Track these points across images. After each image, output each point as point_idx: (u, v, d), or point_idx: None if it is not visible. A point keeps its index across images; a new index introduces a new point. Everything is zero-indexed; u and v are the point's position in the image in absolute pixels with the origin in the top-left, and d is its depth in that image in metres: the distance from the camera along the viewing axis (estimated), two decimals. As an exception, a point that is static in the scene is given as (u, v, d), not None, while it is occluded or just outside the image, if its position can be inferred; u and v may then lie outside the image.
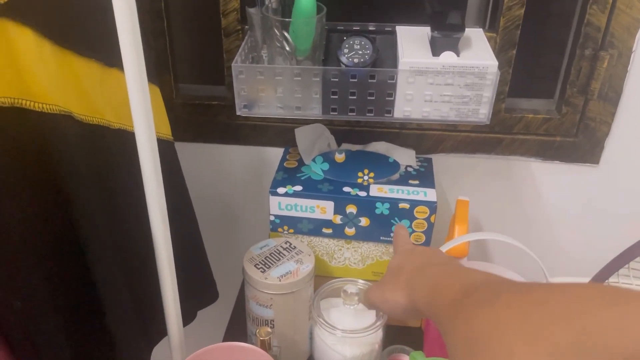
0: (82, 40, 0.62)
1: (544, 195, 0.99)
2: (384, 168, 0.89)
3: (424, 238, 0.85)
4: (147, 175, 0.64)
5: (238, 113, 0.76)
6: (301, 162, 0.91)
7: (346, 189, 0.84)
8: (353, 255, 0.90)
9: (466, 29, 0.71)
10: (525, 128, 0.94)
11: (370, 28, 0.84)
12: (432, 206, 0.82)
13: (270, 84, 0.73)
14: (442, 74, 0.70)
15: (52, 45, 0.57)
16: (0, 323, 0.61)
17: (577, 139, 0.93)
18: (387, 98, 0.73)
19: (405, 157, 0.91)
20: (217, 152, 1.02)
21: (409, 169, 0.90)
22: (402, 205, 0.82)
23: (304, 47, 0.73)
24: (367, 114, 0.74)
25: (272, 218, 0.87)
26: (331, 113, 0.74)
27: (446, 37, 0.70)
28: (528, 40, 0.89)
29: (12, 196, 0.57)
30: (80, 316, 0.68)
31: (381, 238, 0.86)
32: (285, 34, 0.72)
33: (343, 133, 0.96)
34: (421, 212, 0.83)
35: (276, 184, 0.85)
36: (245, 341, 0.69)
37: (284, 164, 0.91)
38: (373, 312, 0.76)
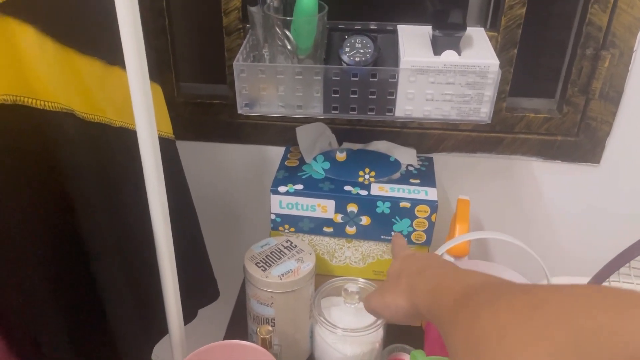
0: (84, 39, 0.62)
1: (545, 194, 0.99)
2: (385, 167, 0.89)
3: (424, 237, 0.85)
4: (148, 174, 0.64)
5: (239, 112, 0.76)
6: (302, 161, 0.91)
7: (347, 187, 0.84)
8: (354, 254, 0.90)
9: (467, 28, 0.71)
10: (527, 127, 0.94)
11: (372, 27, 0.85)
12: (433, 205, 0.82)
13: (271, 82, 0.73)
14: (443, 73, 0.70)
15: (54, 43, 0.57)
16: (2, 321, 0.61)
17: (578, 138, 0.93)
18: (388, 97, 0.73)
19: (406, 156, 0.91)
20: (219, 151, 1.02)
21: (410, 168, 0.90)
22: (403, 204, 0.82)
23: (305, 46, 0.73)
24: (369, 113, 0.74)
25: (273, 217, 0.87)
26: (332, 112, 0.75)
27: (447, 36, 0.70)
28: (529, 39, 0.89)
29: (13, 194, 0.57)
30: (82, 314, 0.68)
31: (382, 237, 0.86)
32: (287, 32, 0.72)
33: (344, 132, 0.96)
34: (422, 211, 0.83)
35: (277, 182, 0.86)
36: (246, 339, 0.69)
37: (285, 163, 0.91)
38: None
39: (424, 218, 0.83)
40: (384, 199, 0.83)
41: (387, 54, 0.77)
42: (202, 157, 1.03)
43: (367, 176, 0.87)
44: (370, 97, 0.73)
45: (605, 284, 0.65)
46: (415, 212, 0.83)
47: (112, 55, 0.65)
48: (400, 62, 0.71)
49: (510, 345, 0.29)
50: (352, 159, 0.91)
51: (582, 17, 0.86)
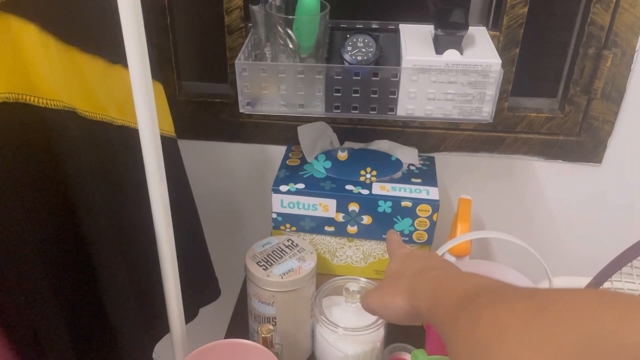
0: (86, 37, 0.62)
1: (547, 194, 0.99)
2: (387, 166, 0.89)
3: (426, 236, 0.85)
4: (150, 172, 0.64)
5: (241, 110, 0.76)
6: (304, 160, 0.91)
7: (348, 187, 0.84)
8: (355, 254, 0.90)
9: (469, 27, 0.71)
10: (528, 127, 0.94)
11: (374, 26, 0.84)
12: (434, 204, 0.82)
13: (273, 81, 0.73)
14: (445, 72, 0.70)
15: (57, 41, 0.57)
16: (4, 318, 0.61)
17: (580, 138, 0.93)
18: (390, 96, 0.73)
19: (408, 155, 0.91)
20: (220, 150, 1.02)
21: (412, 168, 0.90)
22: (404, 203, 0.82)
23: (307, 45, 0.73)
24: (370, 112, 0.74)
25: (274, 216, 0.87)
26: (334, 111, 0.74)
27: (449, 35, 0.70)
28: (531, 39, 0.89)
29: (15, 191, 0.57)
30: (83, 312, 0.68)
31: (383, 236, 0.86)
32: (289, 31, 0.72)
33: (346, 131, 0.96)
34: (423, 211, 0.83)
35: (279, 181, 0.85)
36: (247, 338, 0.69)
37: (287, 162, 0.91)
38: (375, 310, 0.76)
39: (426, 217, 0.83)
40: (385, 198, 0.82)
41: (389, 53, 0.77)
42: (204, 156, 1.03)
43: (368, 175, 0.87)
44: (372, 96, 0.73)
45: (607, 283, 0.65)
46: (417, 211, 0.83)
47: (115, 53, 0.65)
48: (402, 61, 0.71)
49: (512, 349, 0.29)
50: (353, 158, 0.91)
51: (584, 16, 0.86)
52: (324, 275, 0.85)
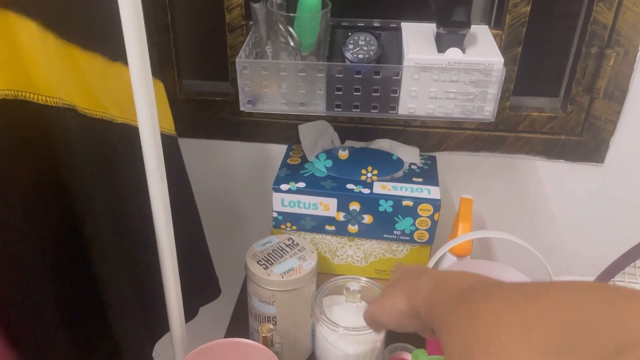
0: (86, 34, 0.61)
1: (548, 194, 0.99)
2: (388, 165, 0.89)
3: (427, 236, 0.85)
4: (150, 171, 0.64)
5: (242, 109, 0.75)
6: (304, 159, 0.90)
7: (349, 186, 0.84)
8: (356, 253, 0.89)
9: (472, 26, 0.71)
10: (530, 126, 0.93)
11: (375, 24, 0.84)
12: (435, 204, 0.82)
13: (274, 79, 0.73)
14: (447, 71, 0.70)
15: (56, 38, 0.57)
16: (3, 318, 0.61)
17: (582, 137, 0.93)
18: (391, 94, 0.72)
19: (409, 154, 0.91)
20: (221, 148, 1.02)
21: (413, 167, 0.89)
22: (405, 202, 0.82)
23: (308, 43, 0.72)
24: (372, 111, 0.74)
25: (275, 215, 0.86)
26: (335, 109, 0.74)
27: (452, 34, 0.70)
28: (534, 37, 0.89)
29: (14, 189, 0.56)
30: (83, 311, 0.68)
31: (384, 235, 0.86)
32: (290, 29, 0.71)
33: (347, 130, 0.96)
34: (425, 210, 0.82)
35: (279, 180, 0.85)
36: (247, 338, 0.69)
37: (287, 161, 0.91)
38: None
39: (427, 217, 0.83)
40: (386, 197, 0.82)
41: (390, 52, 0.77)
42: (204, 155, 1.03)
43: (369, 174, 0.87)
44: (373, 94, 0.73)
45: (610, 284, 0.65)
46: (418, 210, 0.82)
47: (115, 51, 0.64)
48: (404, 59, 0.71)
49: (504, 339, 0.30)
50: (354, 157, 0.90)
51: (587, 15, 0.85)
52: (325, 275, 0.85)
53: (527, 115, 0.93)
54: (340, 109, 0.74)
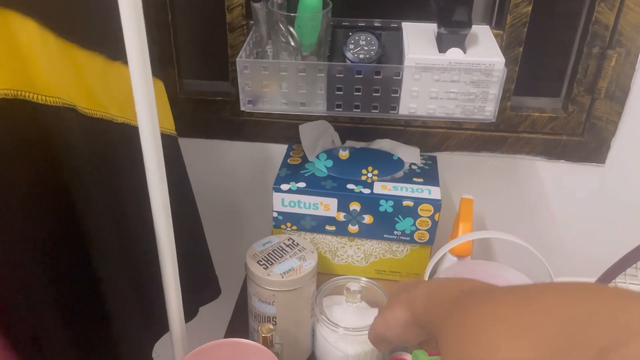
0: (86, 33, 0.61)
1: (549, 194, 0.99)
2: (388, 165, 0.88)
3: (427, 236, 0.85)
4: (150, 170, 0.63)
5: (242, 108, 0.75)
6: (305, 159, 0.90)
7: (350, 186, 0.84)
8: (356, 253, 0.89)
9: (473, 26, 0.71)
10: (531, 126, 0.93)
11: (376, 24, 0.84)
12: (436, 204, 0.82)
13: (274, 79, 0.73)
14: (448, 71, 0.69)
15: (56, 37, 0.57)
16: (3, 317, 0.61)
17: (583, 138, 0.93)
18: (392, 95, 0.72)
19: (410, 154, 0.91)
20: (221, 148, 1.02)
21: (413, 167, 0.89)
22: (406, 203, 0.82)
23: (309, 42, 0.72)
24: (372, 111, 0.73)
25: (275, 214, 0.86)
26: (336, 109, 0.74)
27: (453, 34, 0.70)
28: (535, 38, 0.88)
29: (14, 189, 0.56)
30: (83, 310, 0.68)
31: (384, 236, 0.86)
32: (291, 29, 0.71)
33: (347, 130, 0.96)
34: (425, 210, 0.82)
35: (279, 180, 0.85)
36: (247, 338, 0.69)
37: (288, 161, 0.91)
38: (375, 310, 0.76)
39: (427, 217, 0.83)
40: (386, 197, 0.82)
41: (391, 52, 0.77)
42: (204, 154, 1.02)
43: (370, 174, 0.86)
44: (374, 94, 0.72)
45: (611, 285, 0.65)
46: (418, 211, 0.82)
47: (115, 50, 0.64)
48: (405, 59, 0.71)
49: (497, 339, 0.30)
50: (355, 157, 0.90)
51: (588, 15, 0.85)
52: (325, 275, 0.85)
53: (528, 115, 0.93)
54: (340, 109, 0.74)
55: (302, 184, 0.84)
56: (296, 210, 0.85)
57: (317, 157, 0.90)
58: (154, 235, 0.68)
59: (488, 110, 0.72)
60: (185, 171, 0.84)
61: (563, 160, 0.95)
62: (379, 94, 0.72)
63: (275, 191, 0.84)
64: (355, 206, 0.83)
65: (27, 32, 0.53)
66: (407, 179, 0.86)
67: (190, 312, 0.88)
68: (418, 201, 0.82)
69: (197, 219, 0.88)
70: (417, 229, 0.84)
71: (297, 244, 0.81)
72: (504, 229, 0.87)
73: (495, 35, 0.77)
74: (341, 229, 0.86)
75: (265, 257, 0.77)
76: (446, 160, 0.96)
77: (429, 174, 0.87)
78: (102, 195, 0.66)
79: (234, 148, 1.01)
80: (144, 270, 0.75)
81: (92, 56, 0.63)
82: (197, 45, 1.12)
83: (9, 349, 0.61)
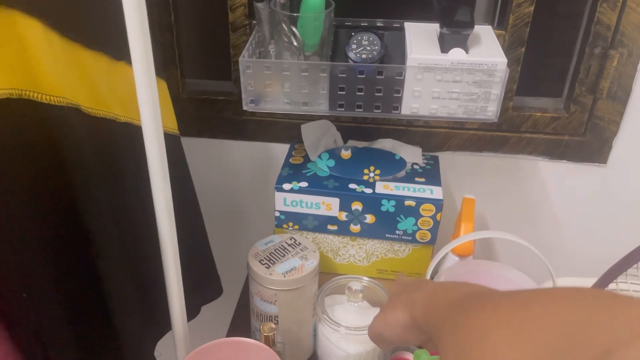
0: (90, 33, 0.62)
1: (551, 194, 0.99)
2: (390, 165, 0.88)
3: (429, 236, 0.85)
4: (153, 169, 0.64)
5: (245, 108, 0.75)
6: (307, 159, 0.90)
7: (352, 185, 0.84)
8: (358, 252, 0.89)
9: (475, 26, 0.71)
10: (533, 126, 0.93)
11: (379, 24, 0.84)
12: (438, 204, 0.82)
13: (277, 79, 0.73)
14: (450, 71, 0.69)
15: (60, 37, 0.57)
16: (5, 317, 0.61)
17: (585, 138, 0.93)
18: (394, 94, 0.72)
19: (412, 154, 0.91)
20: (223, 148, 1.02)
21: (415, 167, 0.89)
22: (407, 202, 0.82)
23: (311, 42, 0.72)
24: (375, 111, 0.74)
25: (277, 214, 0.87)
26: (338, 109, 0.74)
27: (455, 34, 0.70)
28: (537, 38, 0.88)
29: (18, 187, 0.57)
30: (85, 309, 0.68)
31: (386, 235, 0.86)
32: (293, 28, 0.71)
33: (349, 130, 0.96)
34: (427, 210, 0.82)
35: (282, 179, 0.85)
36: (249, 337, 0.69)
37: (290, 160, 0.91)
38: (377, 310, 0.76)
39: (429, 217, 0.83)
40: (388, 197, 0.82)
41: (393, 52, 0.77)
42: (207, 154, 1.03)
43: (372, 174, 0.87)
44: (376, 94, 0.73)
45: (613, 285, 0.65)
46: (420, 210, 0.82)
47: (118, 50, 0.64)
48: (407, 59, 0.71)
49: (495, 345, 0.31)
50: (357, 156, 0.90)
51: (590, 15, 0.85)
52: (327, 274, 0.85)
53: (530, 115, 0.93)
54: (343, 109, 0.74)
55: (304, 184, 0.84)
56: (298, 209, 0.85)
57: (319, 156, 0.90)
58: (157, 234, 0.69)
59: (490, 111, 0.72)
60: (187, 170, 0.84)
61: (565, 160, 0.95)
62: (381, 94, 0.73)
63: (278, 190, 0.84)
64: (357, 206, 0.83)
65: (31, 31, 0.53)
66: (409, 178, 0.86)
67: (192, 311, 0.88)
68: (420, 201, 0.82)
69: (199, 218, 0.89)
70: (419, 229, 0.84)
71: (299, 243, 0.81)
72: (506, 229, 0.87)
73: (498, 36, 0.77)
74: (343, 229, 0.86)
75: (267, 256, 0.78)
76: (448, 160, 0.96)
77: (431, 174, 0.88)
78: (105, 193, 0.66)
79: (236, 147, 1.02)
80: (147, 269, 0.75)
81: (96, 56, 0.63)
82: (200, 45, 1.13)
83: (11, 347, 0.62)
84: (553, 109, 0.94)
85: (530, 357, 0.28)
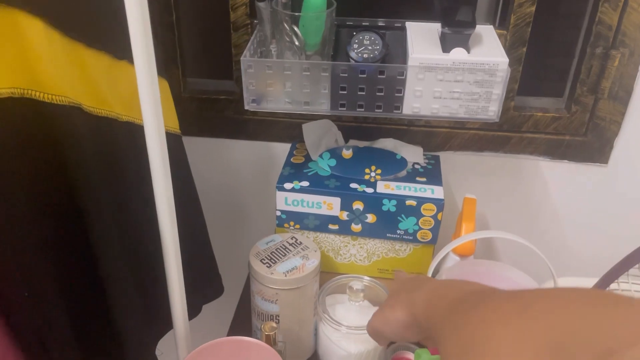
0: (92, 32, 0.62)
1: (552, 194, 0.99)
2: (391, 165, 0.89)
3: (430, 235, 0.85)
4: (155, 169, 0.64)
5: (246, 107, 0.75)
6: (308, 158, 0.91)
7: (353, 185, 0.84)
8: (359, 252, 0.89)
9: (477, 26, 0.71)
10: (534, 126, 0.93)
11: (380, 24, 0.84)
12: (439, 204, 0.82)
13: (279, 78, 0.73)
14: (452, 71, 0.69)
15: (62, 36, 0.57)
16: (7, 314, 0.61)
17: (587, 138, 0.93)
18: (396, 94, 0.72)
19: (413, 154, 0.91)
20: (225, 147, 1.02)
21: (416, 166, 0.89)
22: (409, 202, 0.82)
23: (313, 42, 0.73)
24: (376, 110, 0.74)
25: (278, 213, 0.87)
26: (339, 109, 0.74)
27: (456, 34, 0.70)
28: (538, 38, 0.88)
29: (20, 187, 0.57)
30: (87, 308, 0.68)
31: (387, 235, 0.86)
32: (295, 28, 0.71)
33: (351, 129, 0.96)
34: (428, 210, 0.82)
35: (283, 179, 0.85)
36: (250, 336, 0.69)
37: (291, 160, 0.91)
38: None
39: (430, 216, 0.83)
40: (389, 196, 0.82)
41: (395, 51, 0.77)
42: (208, 153, 1.03)
43: (373, 174, 0.87)
44: (377, 94, 0.73)
45: (614, 285, 0.65)
46: (421, 210, 0.82)
47: (120, 49, 0.64)
48: (409, 59, 0.71)
49: (497, 346, 0.30)
50: (358, 156, 0.90)
51: (592, 16, 0.85)
52: (328, 274, 0.85)
53: (531, 115, 0.93)
54: (344, 109, 0.74)
55: (305, 183, 0.84)
56: (299, 209, 0.85)
57: (321, 156, 0.90)
58: (158, 233, 0.69)
59: (491, 110, 0.72)
60: (189, 169, 0.85)
61: (566, 160, 0.95)
62: (382, 94, 0.73)
63: (279, 190, 0.84)
64: (358, 205, 0.83)
65: (33, 31, 0.53)
66: (410, 178, 0.86)
67: (193, 310, 0.88)
68: (421, 200, 0.82)
69: (200, 217, 0.89)
70: (420, 228, 0.84)
71: (300, 242, 0.81)
72: (507, 229, 0.88)
73: (499, 35, 0.77)
74: (344, 228, 0.86)
75: (268, 255, 0.78)
76: (449, 160, 0.96)
77: (432, 174, 0.88)
78: (107, 192, 0.66)
79: (237, 147, 1.02)
80: (148, 268, 0.75)
81: (98, 55, 0.63)
82: (201, 45, 1.13)
83: (13, 346, 0.62)
84: (554, 109, 0.94)
85: (531, 357, 0.28)
